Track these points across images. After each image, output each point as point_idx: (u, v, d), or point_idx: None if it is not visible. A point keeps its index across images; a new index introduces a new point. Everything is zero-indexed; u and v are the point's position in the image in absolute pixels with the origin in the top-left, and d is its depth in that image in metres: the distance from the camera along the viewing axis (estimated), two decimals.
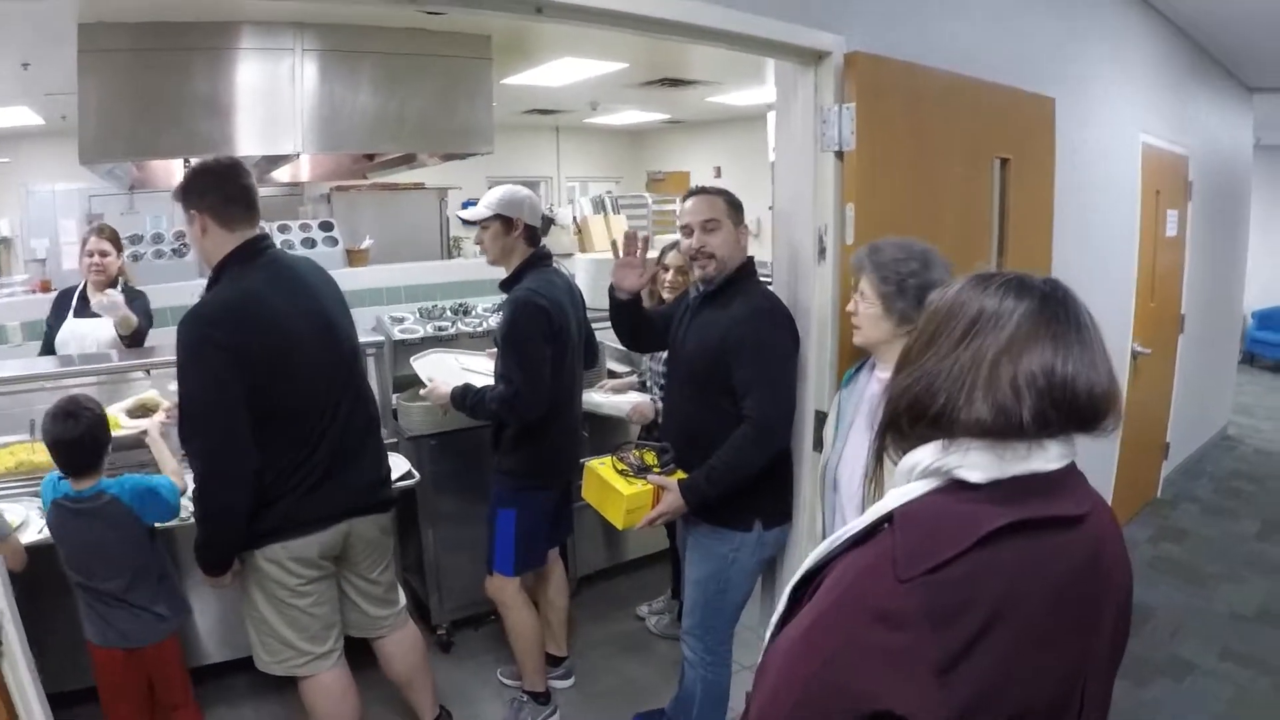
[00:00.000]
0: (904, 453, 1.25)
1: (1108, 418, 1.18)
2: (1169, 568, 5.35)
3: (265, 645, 2.99)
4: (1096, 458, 5.32)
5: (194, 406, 2.65)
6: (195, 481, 2.68)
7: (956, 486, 1.17)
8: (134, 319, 4.38)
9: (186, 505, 3.09)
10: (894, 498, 1.21)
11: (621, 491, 2.92)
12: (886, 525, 1.18)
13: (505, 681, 4.04)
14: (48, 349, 4.64)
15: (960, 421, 1.16)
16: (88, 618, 3.01)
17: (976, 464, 1.16)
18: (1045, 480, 1.18)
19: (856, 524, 1.24)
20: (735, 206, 3.04)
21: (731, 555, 3.03)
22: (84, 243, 4.67)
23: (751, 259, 3.07)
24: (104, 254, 4.60)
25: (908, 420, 1.23)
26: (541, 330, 3.31)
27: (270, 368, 2.69)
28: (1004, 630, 1.09)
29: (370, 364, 3.78)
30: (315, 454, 2.85)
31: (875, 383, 2.56)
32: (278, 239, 6.39)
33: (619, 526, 2.99)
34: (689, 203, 3.08)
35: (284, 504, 2.82)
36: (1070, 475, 1.22)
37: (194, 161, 4.98)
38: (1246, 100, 7.91)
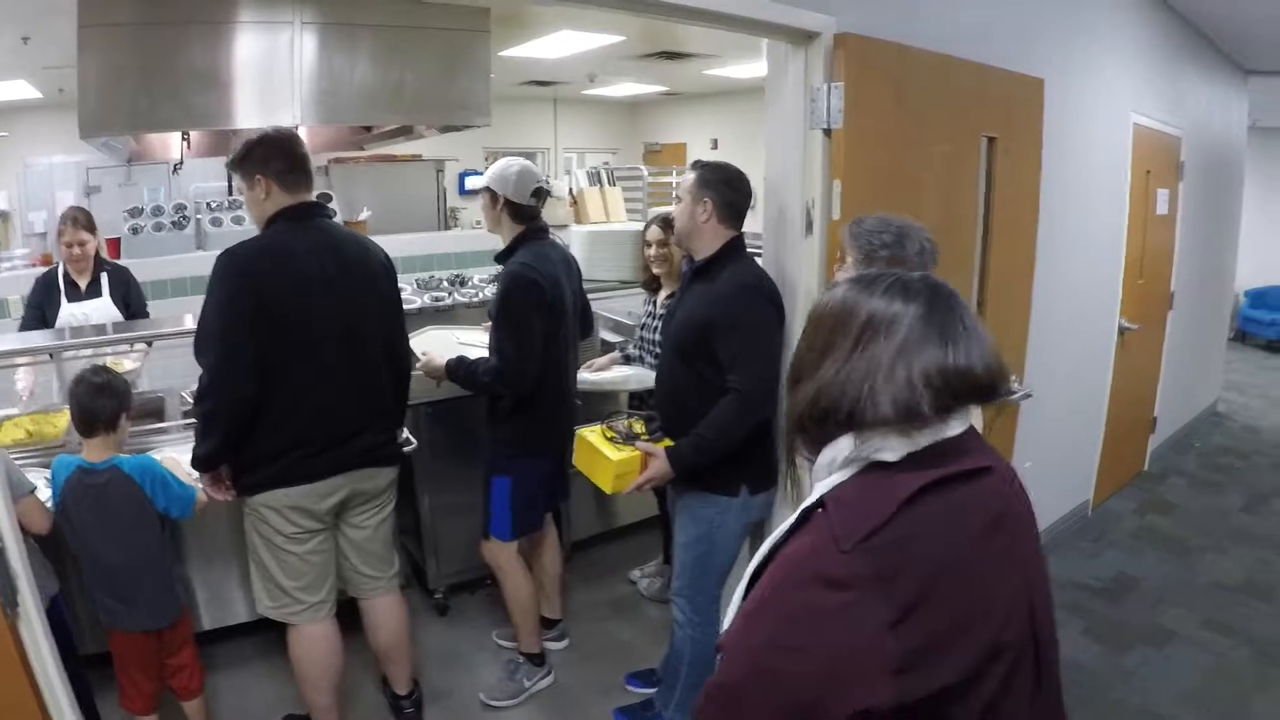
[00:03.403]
0: (815, 451, 1.33)
1: (1000, 388, 1.29)
2: (1154, 539, 5.44)
3: (266, 590, 3.18)
4: (1083, 429, 5.42)
5: (206, 324, 2.87)
6: (198, 387, 2.92)
7: (875, 467, 1.26)
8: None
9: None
10: (819, 489, 1.29)
11: (610, 457, 3.02)
12: (820, 510, 1.26)
13: (501, 643, 4.13)
14: (31, 328, 4.75)
15: (868, 421, 1.24)
16: (104, 603, 3.08)
17: (891, 446, 1.24)
18: (951, 444, 1.27)
19: (790, 519, 1.32)
20: (703, 184, 3.06)
21: (718, 519, 3.12)
22: (60, 233, 4.77)
23: (738, 237, 3.11)
24: (82, 243, 4.74)
25: (815, 424, 1.30)
26: (533, 304, 3.38)
27: (279, 314, 2.87)
28: (947, 577, 1.19)
29: None
30: (319, 412, 3.01)
31: None
32: None
33: (608, 491, 3.09)
34: None
35: (284, 460, 2.99)
36: (971, 436, 1.32)
37: (193, 135, 5.08)
38: (1242, 83, 7.96)
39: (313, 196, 3.10)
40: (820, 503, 1.26)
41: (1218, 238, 7.88)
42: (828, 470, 1.31)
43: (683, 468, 2.98)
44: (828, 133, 3.02)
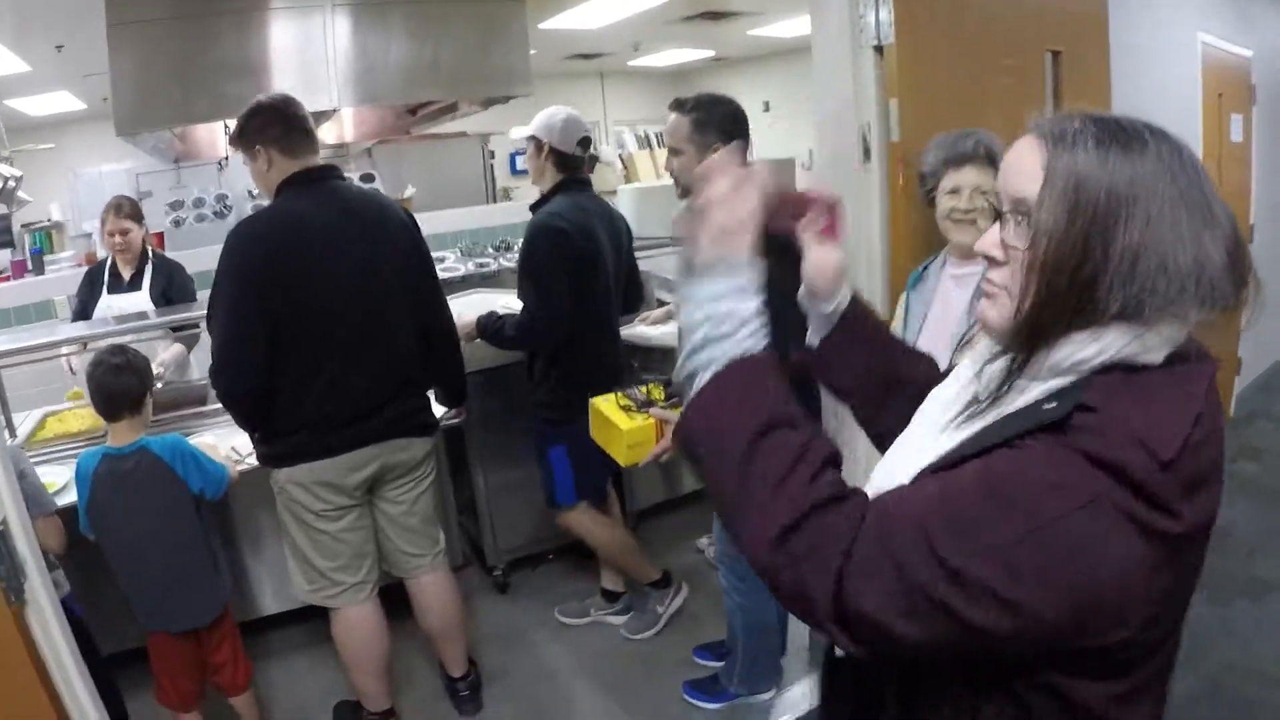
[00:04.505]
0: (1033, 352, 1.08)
1: None
2: (1245, 486, 5.15)
3: (303, 572, 3.09)
4: None
5: (215, 296, 2.79)
6: (210, 367, 2.83)
7: (1117, 370, 1.03)
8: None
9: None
10: (1037, 391, 1.07)
11: (620, 427, 2.79)
12: (1075, 415, 1.01)
13: (564, 620, 3.99)
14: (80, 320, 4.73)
15: (1185, 306, 1.01)
16: (141, 604, 2.97)
17: (1170, 339, 1.04)
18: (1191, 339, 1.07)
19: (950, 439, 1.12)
20: (703, 126, 2.86)
21: None
22: (103, 221, 4.70)
23: None
24: (124, 232, 4.65)
25: (1070, 316, 1.03)
26: (561, 254, 3.25)
27: (291, 287, 2.74)
28: (1217, 489, 1.04)
29: None
30: (338, 385, 2.88)
31: (948, 280, 2.44)
32: None
33: (622, 463, 2.86)
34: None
35: (304, 433, 2.88)
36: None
37: (234, 123, 5.02)
38: None
39: (319, 159, 2.96)
40: (1077, 406, 1.01)
41: None
42: (1051, 375, 1.07)
43: None
44: (879, 50, 2.81)
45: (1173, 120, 3.49)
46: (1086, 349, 1.03)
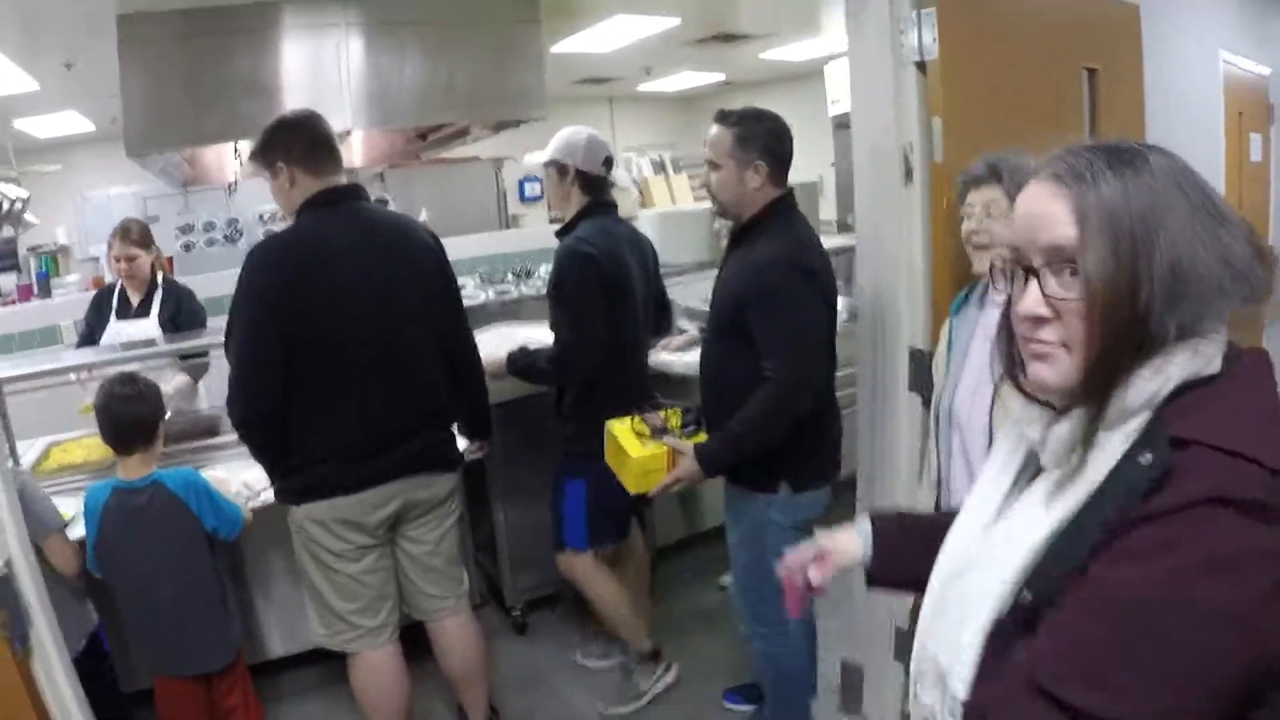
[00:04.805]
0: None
1: None
2: None
3: (321, 617, 2.95)
4: None
5: (232, 319, 2.70)
6: (227, 397, 2.73)
7: (1186, 388, 1.02)
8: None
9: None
10: (1117, 442, 1.03)
11: (630, 454, 2.73)
12: (1177, 454, 0.96)
13: (586, 663, 3.86)
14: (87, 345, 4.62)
15: (1225, 310, 1.03)
16: (149, 646, 2.88)
17: (1221, 344, 1.04)
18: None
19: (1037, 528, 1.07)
20: (746, 142, 2.74)
21: (762, 516, 2.81)
22: (110, 246, 4.60)
23: (782, 198, 2.80)
24: (131, 258, 4.53)
25: (1148, 346, 1.02)
26: (590, 280, 3.13)
27: (308, 313, 2.64)
28: None
29: None
30: (358, 415, 2.77)
31: (991, 306, 2.33)
32: None
33: (630, 491, 2.82)
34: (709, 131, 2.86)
35: (322, 467, 2.76)
36: None
37: (244, 146, 4.95)
38: None
39: (343, 179, 2.85)
40: (1170, 443, 0.97)
41: None
42: (1122, 420, 1.03)
43: (713, 467, 2.68)
44: (921, 66, 2.71)
45: (1196, 139, 3.44)
46: (1155, 380, 1.02)
